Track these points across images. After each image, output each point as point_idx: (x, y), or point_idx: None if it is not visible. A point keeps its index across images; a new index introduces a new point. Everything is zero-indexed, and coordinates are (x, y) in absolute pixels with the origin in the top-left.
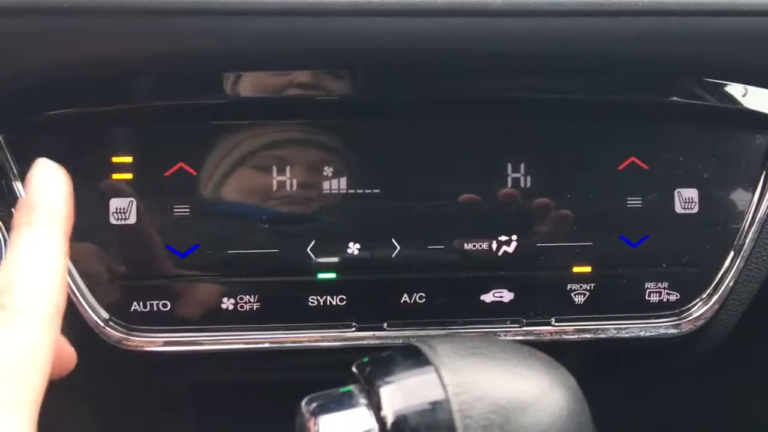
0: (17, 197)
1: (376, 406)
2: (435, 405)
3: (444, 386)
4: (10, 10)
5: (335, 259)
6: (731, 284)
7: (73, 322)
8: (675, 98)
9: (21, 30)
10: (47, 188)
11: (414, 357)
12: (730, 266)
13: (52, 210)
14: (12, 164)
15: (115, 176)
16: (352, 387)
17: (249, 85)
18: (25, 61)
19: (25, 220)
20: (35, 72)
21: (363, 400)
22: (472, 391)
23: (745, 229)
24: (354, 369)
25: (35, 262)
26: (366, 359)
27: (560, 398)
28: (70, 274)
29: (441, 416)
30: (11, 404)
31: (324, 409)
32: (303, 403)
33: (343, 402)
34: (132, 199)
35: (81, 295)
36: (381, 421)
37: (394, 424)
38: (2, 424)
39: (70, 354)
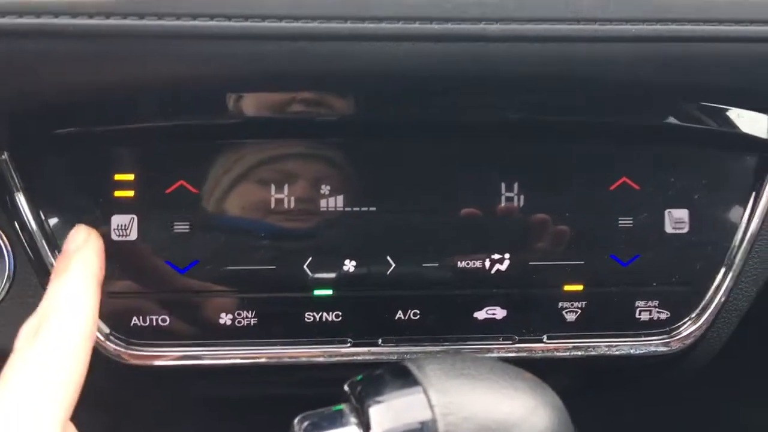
0: (20, 213)
1: (365, 425)
2: (423, 425)
3: (432, 407)
4: (18, 32)
5: (331, 276)
6: (721, 303)
7: None
8: (666, 121)
9: (30, 52)
10: (82, 243)
11: (403, 377)
12: (720, 286)
13: (85, 259)
14: (16, 181)
15: (117, 193)
16: (343, 406)
17: (248, 105)
18: (32, 82)
19: (62, 267)
20: (42, 93)
21: (353, 419)
22: (459, 411)
23: (735, 249)
24: (346, 387)
25: (69, 301)
26: (359, 377)
27: (545, 418)
28: None
29: None
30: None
31: (315, 427)
32: (295, 421)
33: (335, 421)
34: (133, 215)
35: None
36: None
37: None
38: None
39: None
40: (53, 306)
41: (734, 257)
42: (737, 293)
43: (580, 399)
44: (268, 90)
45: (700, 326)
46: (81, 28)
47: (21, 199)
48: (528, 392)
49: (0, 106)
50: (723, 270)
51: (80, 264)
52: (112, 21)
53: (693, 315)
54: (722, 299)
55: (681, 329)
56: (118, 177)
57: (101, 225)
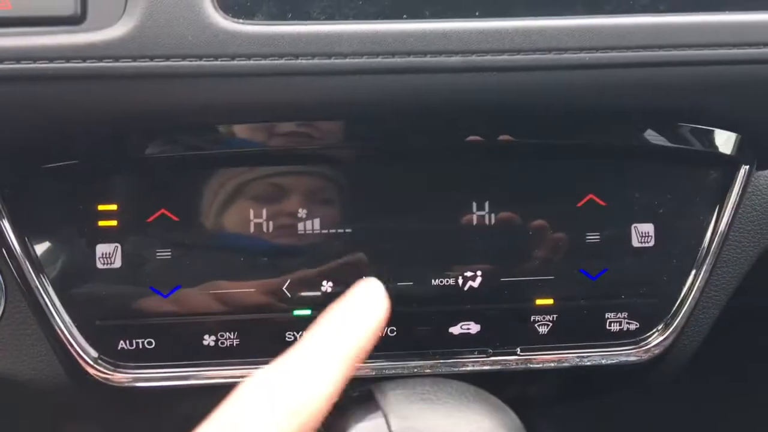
0: (8, 241)
1: None
2: None
3: None
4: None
5: (310, 296)
6: (688, 313)
7: (64, 361)
8: (630, 141)
9: (12, 94)
10: (368, 310)
11: (366, 403)
12: (686, 296)
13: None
14: (4, 211)
15: (101, 223)
16: None
17: (225, 137)
18: (18, 121)
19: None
20: (31, 132)
21: None
22: None
23: (700, 260)
24: None
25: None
26: None
27: None
28: (60, 315)
29: None
30: None
31: None
32: None
33: None
34: (117, 244)
35: (71, 335)
36: None
37: None
38: None
39: None
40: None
41: (700, 268)
42: (705, 302)
43: (562, 408)
44: (244, 122)
45: (667, 336)
46: (58, 71)
47: (8, 230)
48: (485, 414)
49: None
50: (689, 281)
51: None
52: (88, 64)
53: (661, 326)
54: (690, 309)
55: (650, 339)
56: (101, 207)
57: (86, 253)
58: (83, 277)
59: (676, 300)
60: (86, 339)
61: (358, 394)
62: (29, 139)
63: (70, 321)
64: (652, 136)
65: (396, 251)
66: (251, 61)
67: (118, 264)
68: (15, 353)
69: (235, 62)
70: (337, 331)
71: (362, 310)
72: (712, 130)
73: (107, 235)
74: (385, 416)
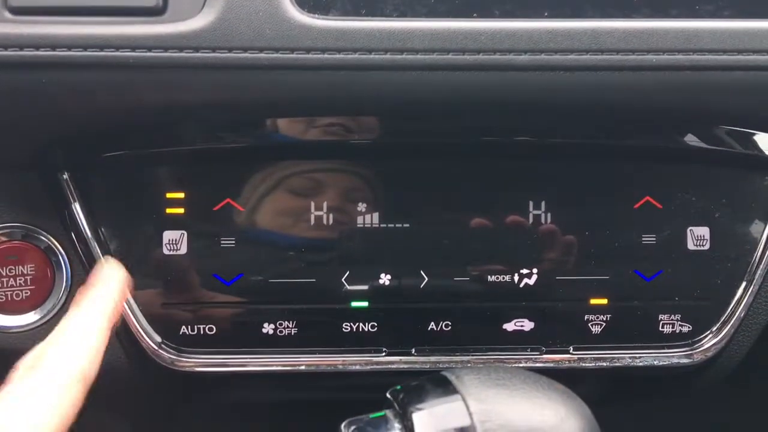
0: (79, 227)
1: (409, 430)
2: (462, 431)
3: (470, 414)
4: (85, 65)
5: (367, 289)
6: (741, 317)
7: (129, 346)
8: (688, 144)
9: (79, 82)
10: (105, 281)
11: (443, 386)
12: (740, 300)
13: (101, 296)
14: (76, 198)
15: (169, 210)
16: (386, 412)
17: (288, 129)
18: (92, 108)
19: (77, 301)
20: (90, 119)
21: (397, 425)
22: (496, 418)
23: (755, 265)
24: (388, 395)
25: (72, 338)
26: (399, 387)
27: (576, 426)
28: (126, 300)
29: None
30: None
31: (362, 431)
32: (342, 426)
33: (380, 426)
34: (183, 231)
35: (137, 320)
36: None
37: None
38: None
39: None
40: (55, 341)
41: (754, 273)
42: (757, 307)
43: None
44: (311, 115)
45: (721, 339)
46: (140, 60)
47: (80, 215)
48: (559, 402)
49: (59, 130)
50: (743, 285)
51: (95, 301)
52: (169, 54)
53: (714, 328)
54: (742, 313)
55: (703, 342)
56: (169, 195)
57: (154, 240)
58: (149, 262)
59: (730, 303)
60: (150, 324)
61: (433, 378)
62: (96, 127)
63: (135, 305)
64: (707, 140)
65: (453, 247)
66: (325, 55)
67: (183, 251)
68: None
69: (310, 56)
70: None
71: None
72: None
73: (174, 223)
74: (464, 399)
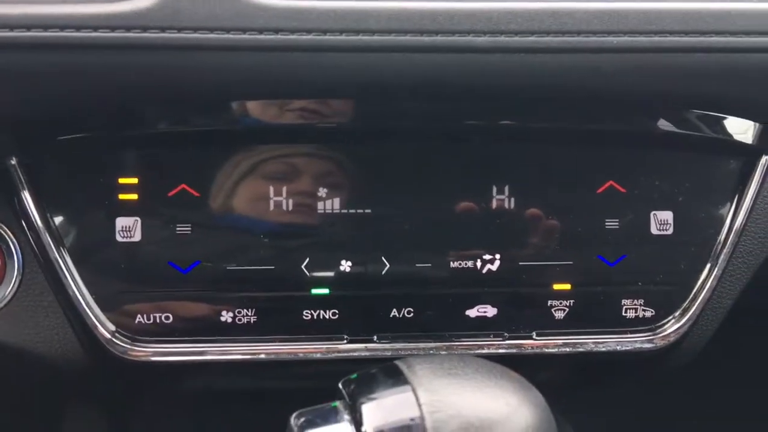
0: (28, 214)
1: (357, 422)
2: (411, 422)
3: (420, 405)
4: (26, 45)
5: (328, 276)
6: (704, 302)
7: (81, 335)
8: (652, 128)
9: (34, 63)
10: None
11: (394, 376)
12: (703, 285)
13: None
14: (24, 184)
15: (122, 196)
16: (337, 403)
17: (247, 112)
18: (35, 91)
19: None
20: (45, 102)
21: (346, 416)
22: (446, 409)
23: (718, 248)
24: (340, 386)
25: None
26: (353, 376)
27: (528, 416)
28: (79, 288)
29: None
30: None
31: (310, 423)
32: (292, 417)
33: (329, 417)
34: (137, 218)
35: (89, 308)
36: None
37: None
38: None
39: None
40: None
41: (717, 257)
42: (721, 291)
43: (577, 393)
44: (267, 98)
45: (683, 324)
46: (86, 40)
47: (29, 202)
48: (512, 391)
49: (5, 113)
50: (707, 269)
51: None
52: (116, 34)
53: (677, 313)
54: (706, 298)
55: (665, 327)
56: (122, 180)
57: (106, 227)
58: (102, 249)
59: (693, 288)
60: (104, 312)
61: (384, 368)
62: (46, 110)
63: (88, 294)
64: (672, 123)
65: (415, 233)
66: (279, 36)
67: (137, 238)
68: (31, 326)
69: (263, 36)
70: None
71: None
72: (733, 119)
73: (127, 209)
74: (414, 390)
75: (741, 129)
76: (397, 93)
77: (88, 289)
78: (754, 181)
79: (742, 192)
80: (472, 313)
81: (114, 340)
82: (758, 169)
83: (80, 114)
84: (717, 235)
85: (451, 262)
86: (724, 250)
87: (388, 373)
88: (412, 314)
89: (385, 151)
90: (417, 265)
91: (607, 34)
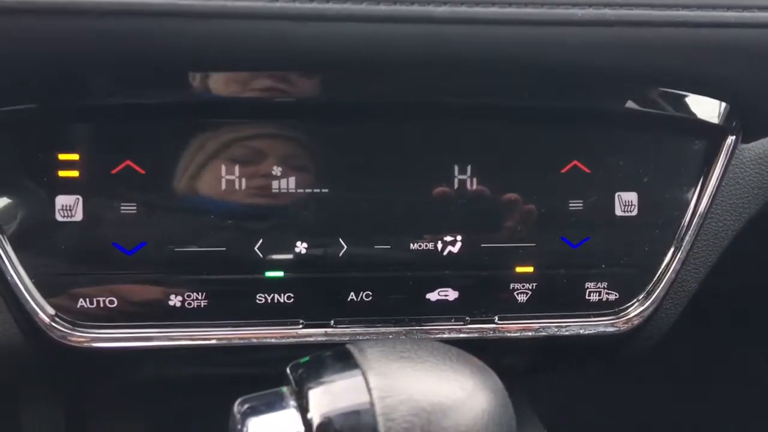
0: None
1: (303, 409)
2: (360, 408)
3: (369, 390)
4: None
5: (283, 258)
6: (668, 285)
7: (19, 318)
8: (617, 106)
9: None
10: None
11: (344, 360)
12: (668, 267)
13: None
14: None
15: (62, 173)
16: (285, 388)
17: (201, 85)
18: None
19: None
20: None
21: (292, 402)
22: (397, 395)
23: (683, 232)
24: (288, 370)
25: None
26: (303, 360)
27: (483, 401)
28: (16, 270)
29: (365, 419)
30: None
31: (254, 410)
32: (236, 404)
33: (274, 404)
34: (78, 196)
35: (27, 291)
36: (307, 423)
37: (319, 426)
38: None
39: None
40: None
41: (682, 239)
42: (685, 275)
43: (538, 377)
44: (220, 70)
45: (647, 307)
46: (27, 5)
47: None
48: (467, 375)
49: None
50: (671, 252)
51: None
52: None
53: (641, 296)
54: (670, 281)
55: (629, 310)
56: (62, 156)
57: (45, 205)
58: (41, 230)
59: (657, 271)
60: (43, 295)
61: (334, 352)
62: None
63: (27, 276)
64: (639, 102)
65: (373, 213)
66: (227, 3)
67: (79, 217)
68: None
69: (210, 3)
70: None
71: None
72: (699, 98)
73: (68, 187)
74: (364, 373)
75: (707, 109)
76: (355, 67)
77: (26, 272)
78: (719, 163)
79: (707, 174)
80: (432, 296)
81: (53, 324)
82: (723, 150)
83: (19, 84)
84: (681, 217)
85: (411, 244)
86: (689, 233)
87: (338, 357)
88: (370, 297)
89: (344, 129)
90: (375, 246)
91: (572, 5)
